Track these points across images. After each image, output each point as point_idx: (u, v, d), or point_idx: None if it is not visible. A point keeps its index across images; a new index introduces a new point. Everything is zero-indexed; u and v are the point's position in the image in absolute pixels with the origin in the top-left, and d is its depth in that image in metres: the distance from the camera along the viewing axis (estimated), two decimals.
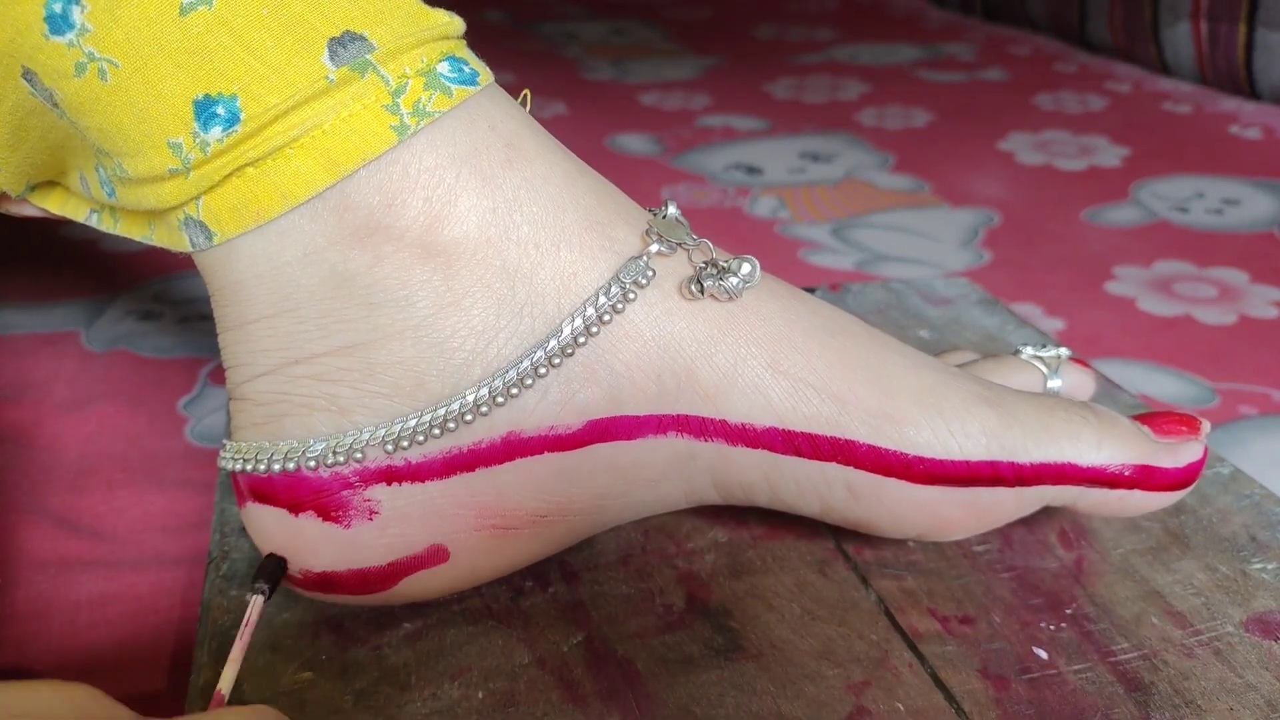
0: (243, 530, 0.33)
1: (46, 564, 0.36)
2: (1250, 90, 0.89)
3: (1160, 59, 0.96)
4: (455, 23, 0.28)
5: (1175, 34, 0.92)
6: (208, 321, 0.53)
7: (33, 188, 0.32)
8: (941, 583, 0.32)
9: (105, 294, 0.56)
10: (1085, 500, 0.31)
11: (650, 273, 0.28)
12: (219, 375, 0.48)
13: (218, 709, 0.23)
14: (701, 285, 0.28)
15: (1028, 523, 0.34)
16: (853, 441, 0.29)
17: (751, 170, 0.77)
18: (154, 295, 0.56)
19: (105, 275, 0.58)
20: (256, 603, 0.27)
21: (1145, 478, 0.31)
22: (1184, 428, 0.31)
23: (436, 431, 0.27)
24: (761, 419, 0.29)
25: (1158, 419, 0.32)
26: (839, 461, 0.30)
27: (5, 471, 0.41)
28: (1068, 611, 0.30)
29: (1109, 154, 0.80)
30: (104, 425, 0.44)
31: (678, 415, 0.29)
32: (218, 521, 0.34)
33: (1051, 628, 0.30)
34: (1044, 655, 0.29)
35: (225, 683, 0.25)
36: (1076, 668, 0.28)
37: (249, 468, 0.28)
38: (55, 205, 0.32)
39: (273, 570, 0.28)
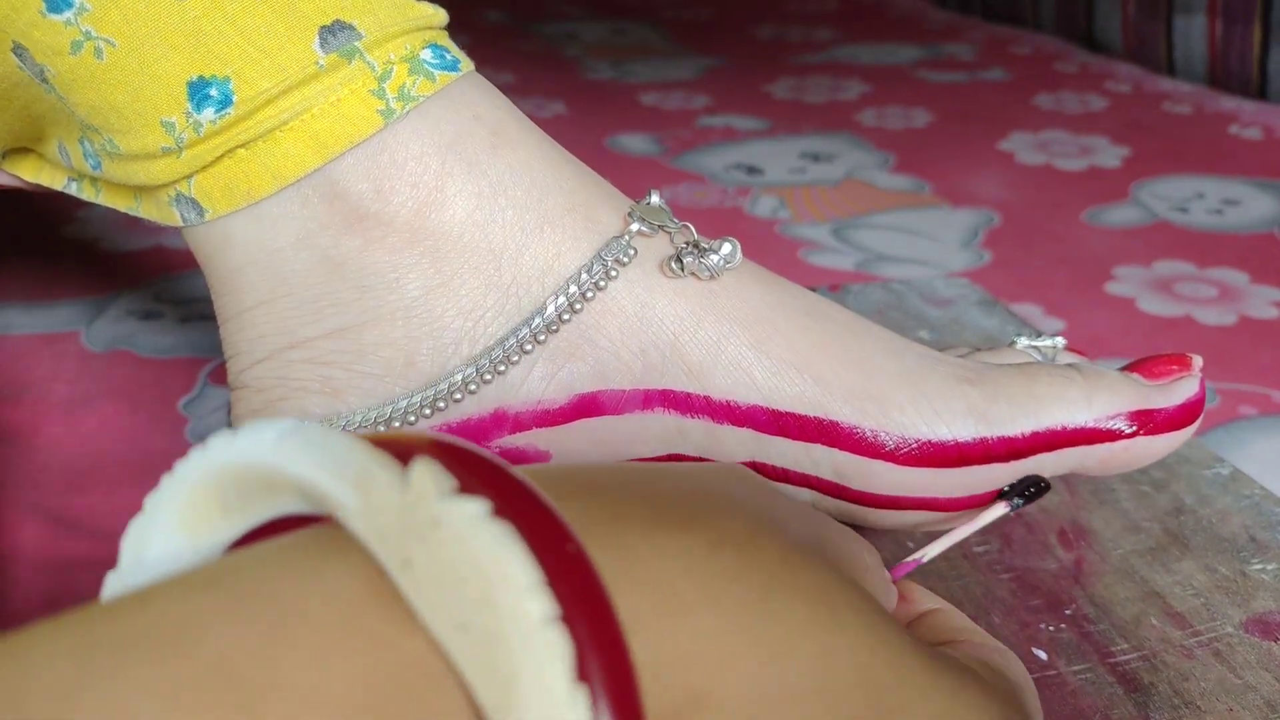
0: None
1: (46, 564, 0.36)
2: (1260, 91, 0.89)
3: (1169, 58, 0.96)
4: (439, 14, 0.29)
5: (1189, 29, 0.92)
6: (208, 321, 0.53)
7: (3, 155, 0.32)
8: (941, 583, 0.32)
9: (105, 294, 0.56)
10: (1090, 460, 0.30)
11: (632, 251, 0.29)
12: (219, 375, 0.48)
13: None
14: (682, 263, 0.29)
15: (1028, 523, 0.34)
16: (836, 422, 0.29)
17: (752, 170, 0.77)
18: (154, 295, 0.56)
19: (105, 275, 0.58)
20: (998, 510, 0.28)
21: (1144, 423, 0.30)
22: (1175, 366, 0.31)
23: (427, 411, 0.28)
24: (746, 396, 0.29)
25: (1147, 364, 0.31)
26: (824, 443, 0.30)
27: (5, 471, 0.41)
28: (1067, 612, 0.30)
29: (1109, 154, 0.80)
30: (104, 425, 0.44)
31: (663, 390, 0.29)
32: None
33: (1051, 628, 0.30)
34: (1044, 656, 0.29)
35: (930, 552, 0.26)
36: (1076, 668, 0.28)
37: None
38: (29, 173, 0.33)
39: (1039, 491, 0.29)
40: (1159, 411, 0.30)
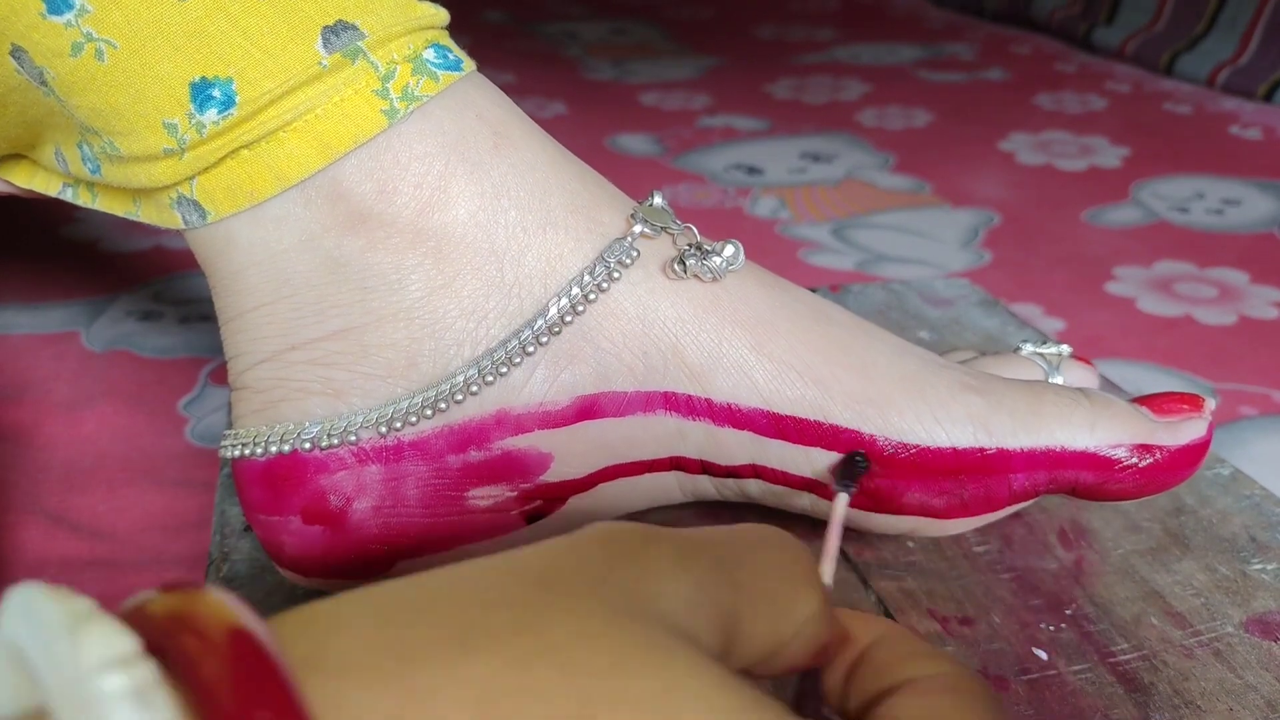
0: (243, 531, 0.33)
1: (46, 564, 0.36)
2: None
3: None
4: (440, 14, 0.29)
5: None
6: (208, 322, 0.53)
7: None
8: (941, 583, 0.32)
9: (105, 294, 0.56)
10: (1086, 483, 0.30)
11: (634, 253, 0.29)
12: (219, 375, 0.48)
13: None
14: (685, 264, 0.29)
15: (1028, 523, 0.34)
16: (835, 426, 0.30)
17: (752, 170, 0.77)
18: (154, 295, 0.56)
19: (105, 275, 0.58)
20: (842, 500, 0.27)
21: (1145, 456, 0.30)
22: (1185, 406, 0.30)
23: (429, 412, 0.28)
24: (747, 399, 0.29)
25: (1157, 399, 0.31)
26: (823, 447, 0.30)
27: (5, 471, 0.41)
28: (1067, 612, 0.30)
29: (1109, 154, 0.80)
30: (104, 425, 0.44)
31: (665, 392, 0.29)
32: (218, 523, 0.34)
33: (1051, 628, 0.30)
34: (1044, 656, 0.29)
35: (827, 577, 0.25)
36: (1076, 668, 0.28)
37: (247, 452, 0.29)
38: (21, 179, 0.33)
39: (857, 468, 0.29)
40: (1162, 448, 0.30)
